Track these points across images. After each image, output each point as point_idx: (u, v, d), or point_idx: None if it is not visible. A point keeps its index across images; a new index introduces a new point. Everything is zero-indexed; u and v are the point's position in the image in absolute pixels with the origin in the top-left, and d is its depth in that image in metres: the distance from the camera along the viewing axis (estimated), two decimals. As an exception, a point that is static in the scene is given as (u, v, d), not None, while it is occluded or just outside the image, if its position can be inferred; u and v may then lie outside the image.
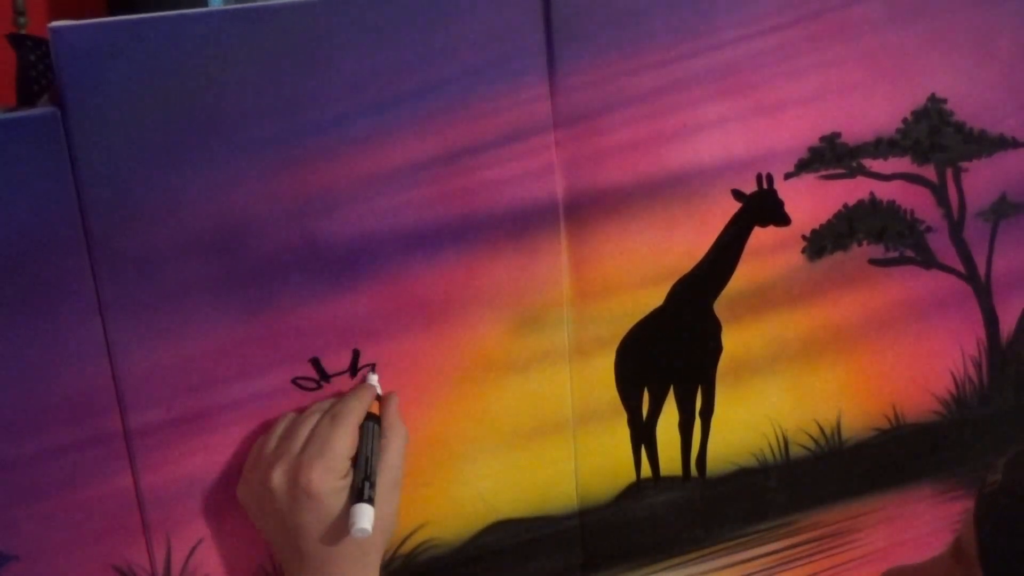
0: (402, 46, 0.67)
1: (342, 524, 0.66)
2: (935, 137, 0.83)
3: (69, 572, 0.69)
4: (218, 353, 0.68)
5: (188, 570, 0.71)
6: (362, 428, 0.69)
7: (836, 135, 0.80)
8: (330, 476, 0.66)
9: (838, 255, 0.83)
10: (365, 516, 0.65)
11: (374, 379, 0.73)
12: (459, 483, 0.77)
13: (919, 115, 0.82)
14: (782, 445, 0.86)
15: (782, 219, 0.80)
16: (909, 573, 0.71)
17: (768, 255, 0.81)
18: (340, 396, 0.71)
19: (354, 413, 0.69)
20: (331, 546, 0.66)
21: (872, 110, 0.81)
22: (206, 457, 0.70)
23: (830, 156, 0.80)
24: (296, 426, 0.69)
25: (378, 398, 0.72)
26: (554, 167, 0.73)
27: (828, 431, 0.87)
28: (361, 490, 0.66)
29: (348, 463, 0.67)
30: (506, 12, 0.69)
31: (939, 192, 0.85)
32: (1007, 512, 0.58)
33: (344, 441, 0.67)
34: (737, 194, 0.79)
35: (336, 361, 0.71)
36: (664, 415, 0.82)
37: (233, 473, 0.70)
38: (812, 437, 0.87)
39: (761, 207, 0.79)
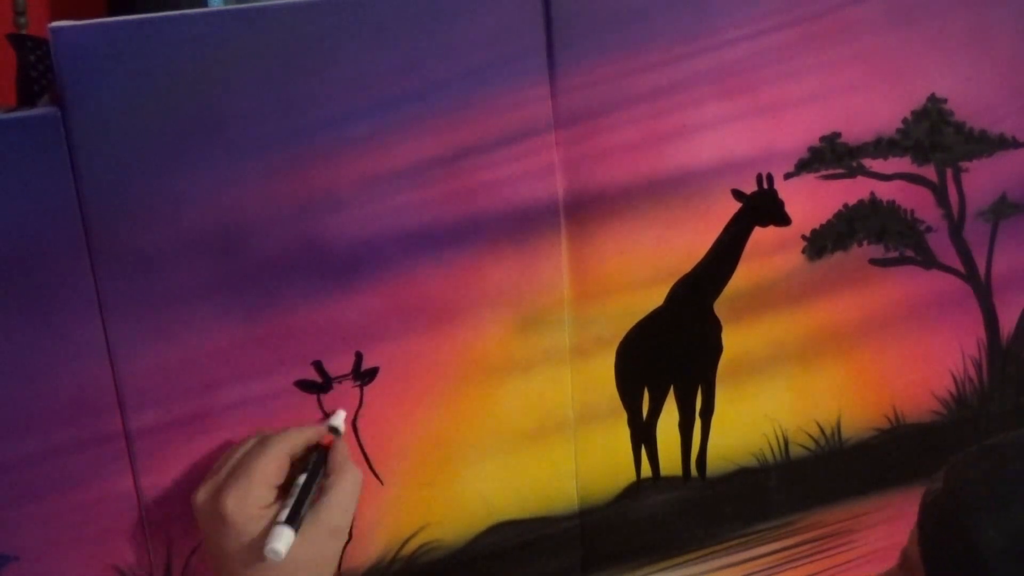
0: (402, 46, 0.67)
1: (260, 552, 0.62)
2: (935, 137, 0.83)
3: (69, 573, 0.69)
4: (219, 354, 0.68)
5: (189, 572, 0.71)
6: (304, 459, 0.67)
7: (836, 135, 0.80)
8: (246, 503, 0.63)
9: (838, 255, 0.83)
10: (279, 538, 0.62)
11: (340, 417, 0.71)
12: (460, 484, 0.77)
13: (919, 115, 0.82)
14: (782, 445, 0.86)
15: (782, 219, 0.80)
16: None
17: (768, 255, 0.81)
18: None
19: (285, 442, 0.66)
20: (251, 573, 0.63)
21: (872, 110, 0.81)
22: (207, 459, 0.70)
23: (830, 156, 0.80)
24: (233, 449, 0.67)
25: (337, 433, 0.70)
26: (555, 167, 0.73)
27: (828, 431, 0.87)
28: (289, 514, 0.63)
29: (272, 491, 0.64)
30: (506, 12, 0.69)
31: (939, 192, 0.85)
32: (946, 518, 0.58)
33: (267, 468, 0.64)
34: (737, 194, 0.79)
35: (339, 364, 0.71)
36: (664, 415, 0.82)
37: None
38: (812, 437, 0.87)
39: (761, 207, 0.79)
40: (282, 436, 0.66)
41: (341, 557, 0.68)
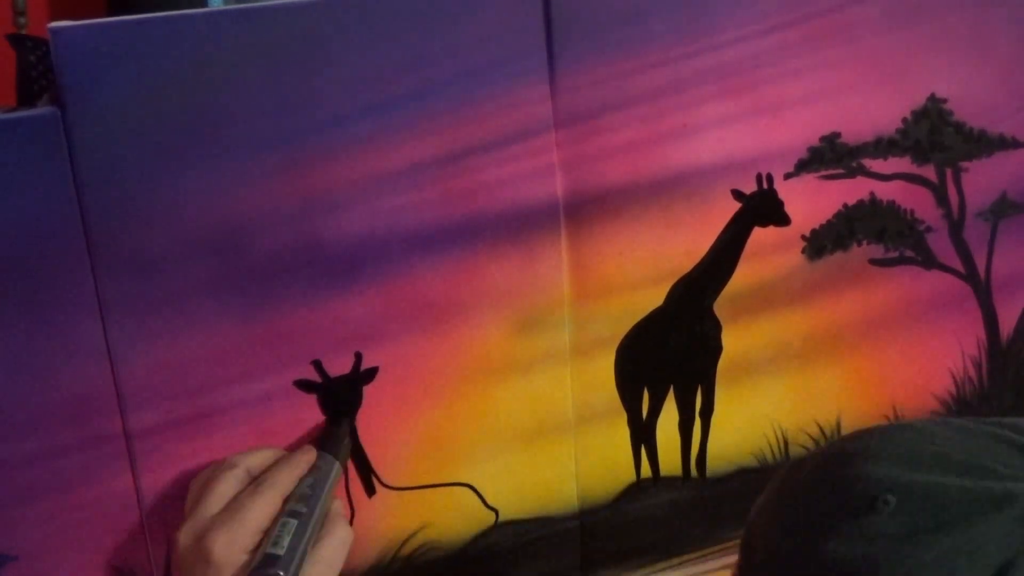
0: (402, 46, 0.67)
1: None
2: (935, 137, 0.83)
3: (69, 573, 0.69)
4: (219, 354, 0.68)
5: (188, 571, 0.71)
6: (292, 501, 0.65)
7: (836, 135, 0.80)
8: (234, 548, 0.62)
9: (838, 255, 0.83)
10: None
11: (344, 425, 0.71)
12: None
13: (919, 115, 0.82)
14: (782, 445, 0.86)
15: (782, 219, 0.80)
16: None
17: (768, 255, 0.81)
18: (274, 463, 0.67)
19: (279, 486, 0.65)
20: None
21: (872, 110, 0.81)
22: (207, 459, 0.70)
23: (830, 156, 0.80)
24: (215, 483, 0.65)
25: (350, 429, 0.71)
26: (555, 167, 0.73)
27: (828, 431, 0.87)
28: (264, 563, 0.61)
29: (258, 537, 0.63)
30: (506, 12, 0.69)
31: (939, 192, 0.85)
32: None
33: (259, 514, 0.63)
34: (737, 194, 0.79)
35: (338, 364, 0.71)
36: (664, 415, 0.82)
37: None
38: (812, 437, 0.87)
39: (761, 207, 0.79)
40: (274, 480, 0.65)
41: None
